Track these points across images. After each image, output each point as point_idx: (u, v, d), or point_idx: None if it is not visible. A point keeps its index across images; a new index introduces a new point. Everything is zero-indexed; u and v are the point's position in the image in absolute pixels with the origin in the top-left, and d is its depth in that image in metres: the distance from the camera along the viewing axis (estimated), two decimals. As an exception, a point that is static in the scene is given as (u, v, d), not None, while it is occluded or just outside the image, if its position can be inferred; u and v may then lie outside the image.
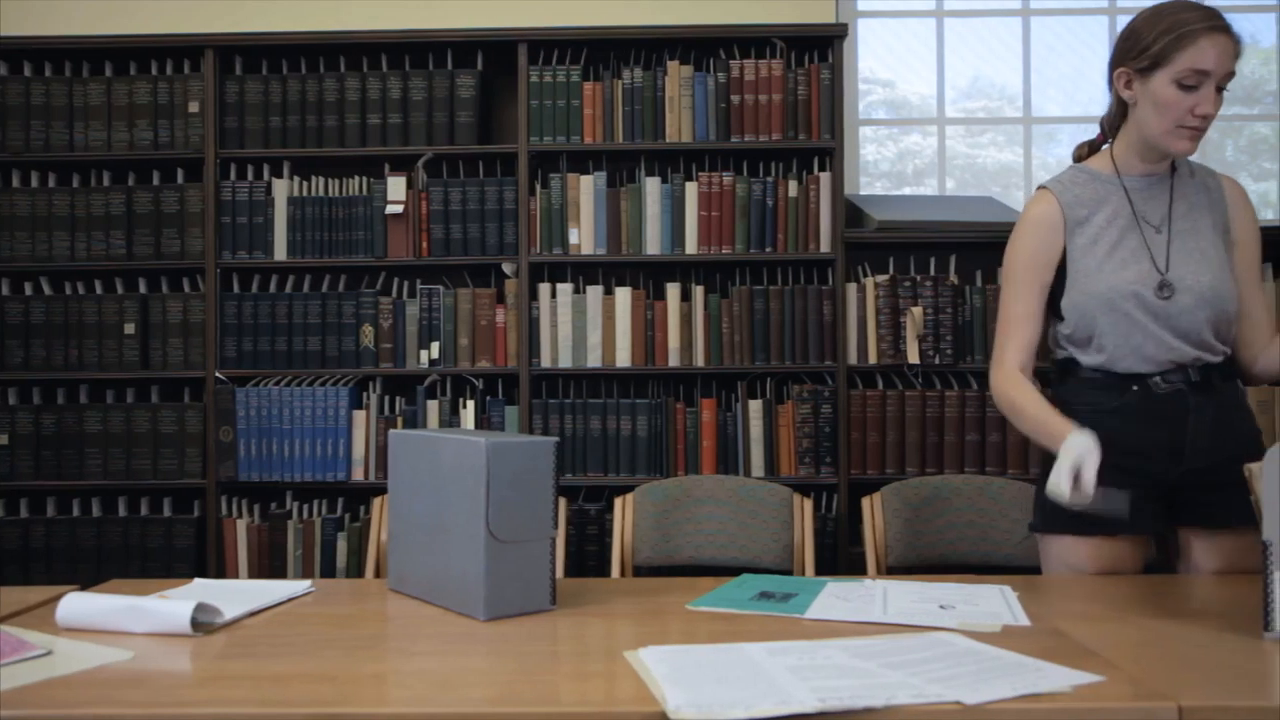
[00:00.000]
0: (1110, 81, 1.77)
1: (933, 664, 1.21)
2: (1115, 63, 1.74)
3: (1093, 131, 1.91)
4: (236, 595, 1.58)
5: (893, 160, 3.37)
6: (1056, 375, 1.87)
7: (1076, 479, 1.57)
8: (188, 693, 1.14)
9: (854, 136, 3.28)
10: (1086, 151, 1.89)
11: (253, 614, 1.50)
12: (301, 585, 1.66)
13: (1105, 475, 1.73)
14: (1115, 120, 1.82)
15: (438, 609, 1.53)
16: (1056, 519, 1.79)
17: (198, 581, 1.71)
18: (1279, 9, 3.30)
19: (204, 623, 1.41)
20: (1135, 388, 1.75)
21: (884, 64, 3.34)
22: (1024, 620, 1.43)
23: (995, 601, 1.53)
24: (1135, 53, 1.70)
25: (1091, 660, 1.23)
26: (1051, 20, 3.29)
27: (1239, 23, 1.71)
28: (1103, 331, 1.76)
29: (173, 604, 1.39)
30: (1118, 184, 1.79)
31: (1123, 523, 1.70)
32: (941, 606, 1.50)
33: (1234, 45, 1.66)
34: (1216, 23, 1.65)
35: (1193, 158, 1.82)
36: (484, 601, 1.45)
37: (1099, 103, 3.23)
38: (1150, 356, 1.74)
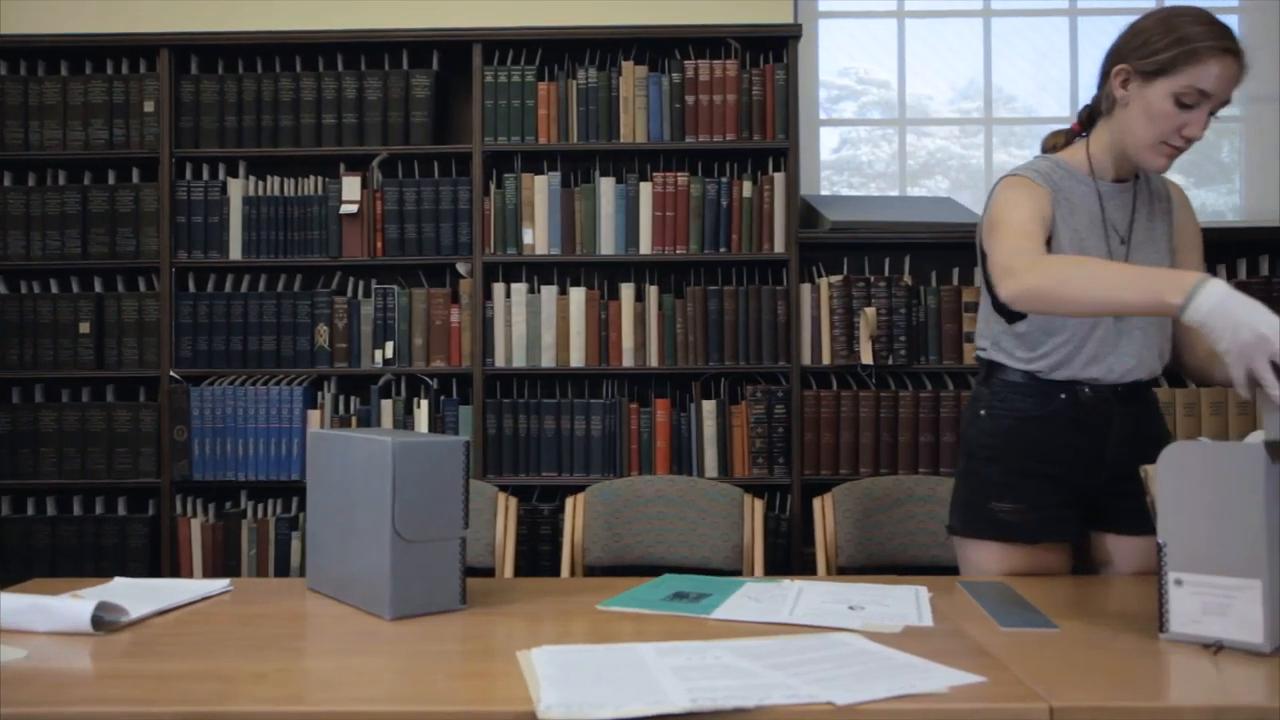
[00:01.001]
0: (1104, 75, 1.69)
1: (820, 664, 1.21)
2: (1117, 58, 1.65)
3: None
4: (150, 594, 1.58)
5: (886, 161, 3.35)
6: (982, 375, 1.86)
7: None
8: (68, 692, 1.14)
9: (813, 136, 3.28)
10: (1063, 142, 1.80)
11: (162, 613, 1.50)
12: (219, 584, 1.67)
13: (1026, 484, 1.74)
14: (1097, 116, 1.75)
15: (349, 608, 1.54)
16: (976, 524, 1.78)
17: (117, 580, 1.70)
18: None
19: (108, 621, 1.41)
20: (1063, 395, 1.73)
21: (881, 65, 3.33)
22: (928, 621, 1.43)
23: (906, 602, 1.53)
24: (1142, 54, 1.60)
25: (982, 661, 1.23)
26: (1057, 21, 3.30)
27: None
28: (1062, 340, 1.72)
29: (75, 603, 1.39)
30: (1092, 186, 1.73)
31: (1041, 532, 1.71)
32: (850, 607, 1.50)
33: (1240, 71, 1.58)
34: (1229, 44, 1.57)
35: None
36: (389, 601, 1.45)
37: (1069, 104, 3.26)
38: (1098, 370, 1.72)
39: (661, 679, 1.15)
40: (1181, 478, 1.30)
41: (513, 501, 2.59)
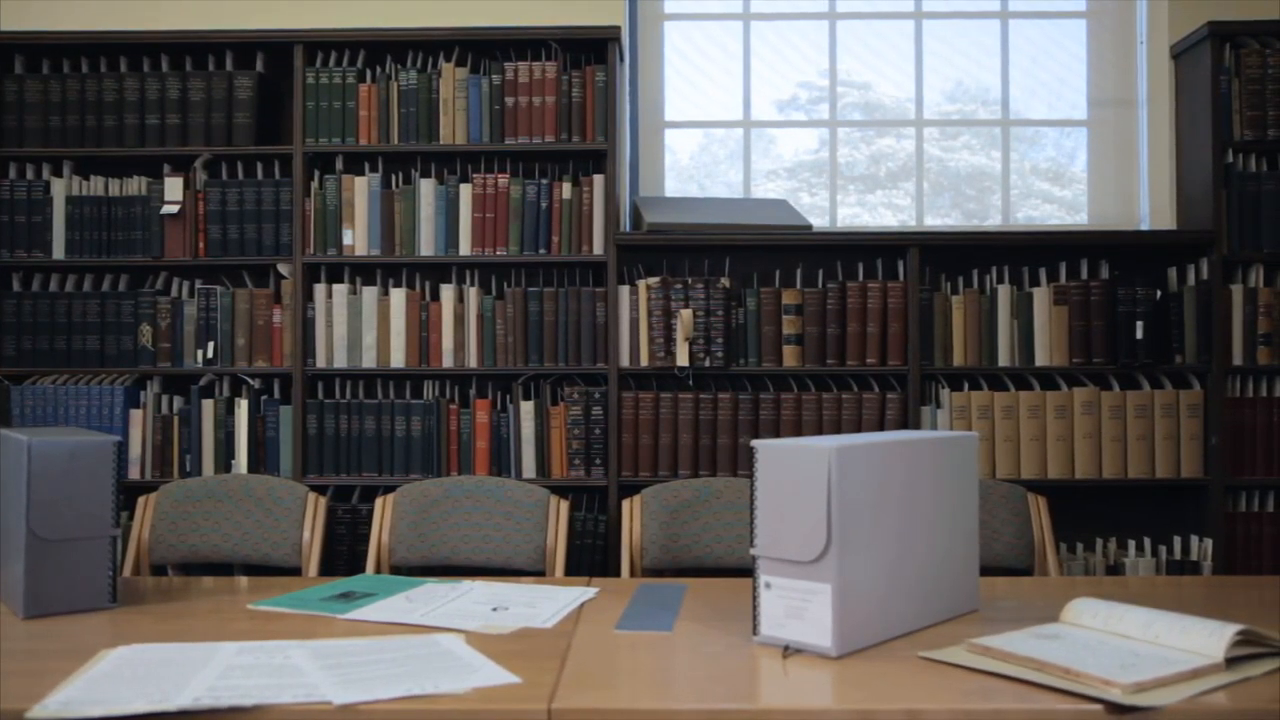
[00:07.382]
0: None
1: (379, 665, 1.22)
2: None
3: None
4: None
5: (866, 163, 3.35)
6: None
7: None
8: None
9: (657, 138, 3.28)
10: None
11: None
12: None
13: None
14: None
15: (6, 609, 1.54)
16: None
17: None
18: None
19: None
20: None
21: (864, 65, 3.33)
22: (552, 624, 1.43)
23: (558, 604, 1.54)
24: None
25: (544, 663, 1.24)
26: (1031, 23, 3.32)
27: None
28: None
29: None
30: None
31: None
32: (494, 609, 1.51)
33: None
34: None
35: None
36: (23, 599, 1.46)
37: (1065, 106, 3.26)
38: None
39: (197, 678, 1.16)
40: (771, 477, 1.31)
41: (321, 502, 2.60)
